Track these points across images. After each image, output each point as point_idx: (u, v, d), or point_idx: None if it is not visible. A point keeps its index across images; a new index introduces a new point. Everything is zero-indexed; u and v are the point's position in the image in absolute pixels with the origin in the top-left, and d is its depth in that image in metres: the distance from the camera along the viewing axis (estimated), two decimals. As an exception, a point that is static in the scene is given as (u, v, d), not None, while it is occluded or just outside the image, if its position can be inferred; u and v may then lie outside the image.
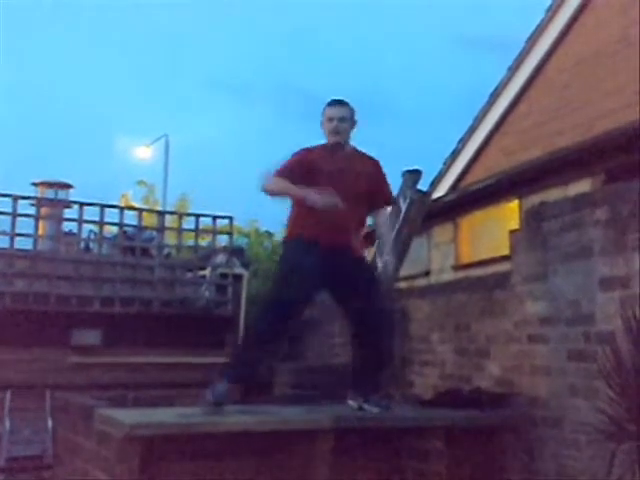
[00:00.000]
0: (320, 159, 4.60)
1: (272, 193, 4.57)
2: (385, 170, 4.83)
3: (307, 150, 4.68)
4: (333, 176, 4.52)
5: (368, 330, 4.58)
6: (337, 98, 4.74)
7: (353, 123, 4.73)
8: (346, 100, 4.73)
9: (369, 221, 4.91)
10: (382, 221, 4.89)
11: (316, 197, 4.33)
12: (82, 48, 53.60)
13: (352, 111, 4.72)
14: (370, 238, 8.11)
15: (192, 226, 10.42)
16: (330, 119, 4.63)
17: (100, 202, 9.66)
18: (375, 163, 4.80)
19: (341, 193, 4.39)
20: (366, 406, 4.51)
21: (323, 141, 4.70)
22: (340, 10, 56.98)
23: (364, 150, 4.79)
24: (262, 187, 4.52)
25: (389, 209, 4.99)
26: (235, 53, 56.76)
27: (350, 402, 4.61)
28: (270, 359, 4.69)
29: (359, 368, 4.65)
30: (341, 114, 4.65)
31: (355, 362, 4.68)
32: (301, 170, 4.53)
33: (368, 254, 4.91)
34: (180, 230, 10.48)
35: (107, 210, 9.67)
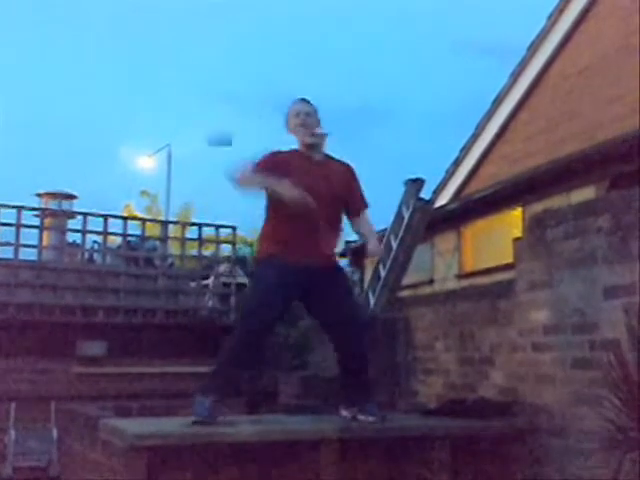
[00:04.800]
0: (293, 161, 4.48)
1: (244, 183, 4.41)
2: (359, 176, 4.68)
3: (279, 152, 4.57)
4: (305, 181, 4.35)
5: (347, 341, 4.51)
6: (302, 97, 4.64)
7: (319, 124, 4.59)
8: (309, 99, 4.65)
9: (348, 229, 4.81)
10: (362, 223, 4.66)
11: (289, 189, 4.18)
12: (84, 58, 53.78)
13: (317, 111, 4.60)
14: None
15: (195, 236, 10.44)
16: (297, 114, 4.52)
17: (103, 212, 9.70)
18: (348, 168, 4.66)
19: (314, 199, 4.29)
20: (361, 416, 4.45)
21: (294, 146, 4.59)
22: (338, 17, 57.08)
23: (337, 156, 4.66)
24: (235, 178, 4.35)
25: (367, 212, 4.69)
26: (236, 64, 56.87)
27: (343, 413, 4.54)
28: (247, 372, 4.58)
29: (347, 378, 4.59)
30: (307, 109, 4.55)
31: (342, 373, 4.62)
32: (276, 169, 4.39)
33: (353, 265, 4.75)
34: (183, 240, 10.50)
35: (110, 220, 9.71)
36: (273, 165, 4.41)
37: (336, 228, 4.64)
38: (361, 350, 4.56)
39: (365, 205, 4.71)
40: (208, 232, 10.66)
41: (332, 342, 4.65)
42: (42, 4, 49.28)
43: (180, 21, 57.92)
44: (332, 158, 4.65)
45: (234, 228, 10.60)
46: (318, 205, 4.30)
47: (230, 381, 4.43)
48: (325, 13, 55.70)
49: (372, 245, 4.55)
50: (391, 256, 7.48)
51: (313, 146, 4.55)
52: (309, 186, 4.32)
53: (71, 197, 11.71)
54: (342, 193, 4.52)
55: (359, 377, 4.57)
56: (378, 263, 7.66)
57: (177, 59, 57.36)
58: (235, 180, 4.37)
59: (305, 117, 4.53)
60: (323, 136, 4.58)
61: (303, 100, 4.63)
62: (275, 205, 4.41)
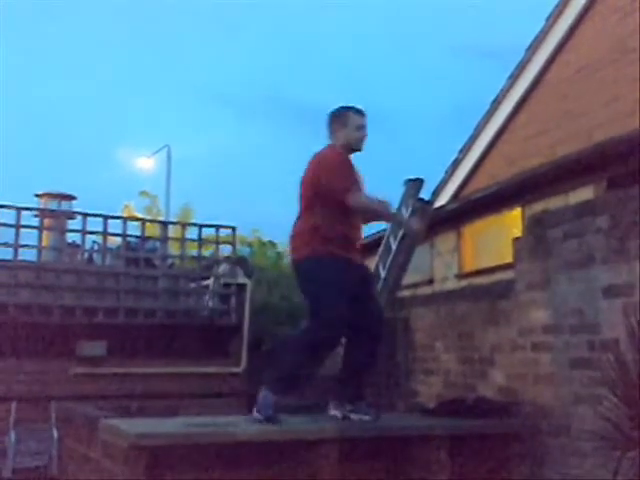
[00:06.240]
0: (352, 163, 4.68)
1: (363, 210, 4.58)
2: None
3: (342, 154, 4.64)
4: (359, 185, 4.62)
5: (369, 335, 4.59)
6: (360, 107, 4.72)
7: None
8: None
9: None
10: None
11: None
12: (84, 58, 53.80)
13: None
14: (373, 246, 8.13)
15: (195, 236, 10.44)
16: (361, 127, 4.64)
17: (103, 213, 9.69)
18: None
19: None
20: (355, 416, 4.49)
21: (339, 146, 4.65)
22: (336, 21, 57.12)
23: None
24: (354, 203, 4.44)
25: None
26: (234, 66, 56.79)
27: (332, 412, 4.59)
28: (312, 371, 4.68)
29: (347, 375, 4.63)
30: (366, 123, 4.68)
31: (345, 369, 4.64)
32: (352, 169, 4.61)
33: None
34: (183, 240, 10.50)
35: (110, 221, 9.69)
36: (350, 169, 4.59)
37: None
38: (376, 349, 4.65)
39: None
40: (208, 232, 10.67)
41: (353, 337, 4.62)
42: (41, 4, 49.33)
43: (178, 22, 57.92)
44: None
45: (234, 229, 10.58)
46: None
47: (296, 382, 4.48)
48: (324, 16, 55.73)
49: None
50: (391, 256, 7.50)
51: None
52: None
53: (70, 198, 11.71)
54: None
55: (361, 376, 4.62)
56: (378, 263, 7.67)
57: (176, 60, 57.38)
58: (355, 203, 4.45)
59: (365, 134, 4.66)
60: None
61: (364, 113, 4.68)
62: (326, 202, 4.46)
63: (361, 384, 4.65)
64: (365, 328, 4.57)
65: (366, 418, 4.46)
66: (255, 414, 4.30)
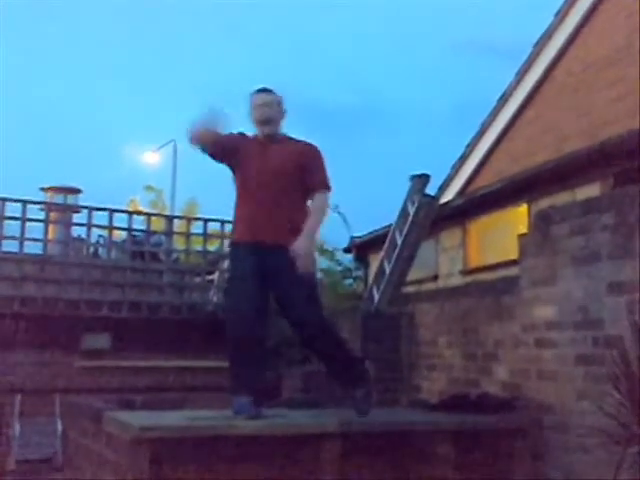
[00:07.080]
0: (249, 145, 4.52)
1: (194, 139, 4.39)
2: (321, 156, 4.56)
3: (242, 133, 4.61)
4: (255, 163, 4.43)
5: (307, 336, 4.53)
6: (261, 87, 4.57)
7: (282, 111, 4.58)
8: (270, 88, 4.59)
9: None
10: (312, 208, 4.48)
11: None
12: (90, 55, 53.81)
13: (279, 98, 4.57)
14: (378, 241, 8.12)
15: (200, 231, 10.46)
16: (255, 107, 4.50)
17: (109, 207, 9.71)
18: (307, 148, 4.56)
19: (268, 186, 4.36)
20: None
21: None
22: (336, 21, 57.02)
23: (299, 138, 4.62)
24: (188, 136, 4.39)
25: (322, 195, 4.50)
26: (234, 66, 56.70)
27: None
28: (264, 359, 4.59)
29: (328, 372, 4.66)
30: (265, 100, 4.50)
31: (321, 361, 4.68)
32: (230, 141, 4.47)
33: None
34: (188, 235, 10.52)
35: (116, 215, 9.72)
36: (231, 137, 4.51)
37: (294, 207, 4.47)
38: (332, 346, 4.53)
39: (320, 186, 4.50)
40: (213, 227, 10.68)
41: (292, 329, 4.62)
42: (41, 4, 49.37)
43: (178, 22, 57.91)
44: (292, 139, 4.60)
45: (239, 223, 10.59)
46: (270, 184, 4.36)
47: (248, 377, 4.37)
48: (324, 13, 55.65)
49: (297, 242, 4.25)
50: (396, 252, 7.48)
51: (270, 135, 4.54)
52: (259, 167, 4.40)
53: (76, 191, 11.73)
54: (296, 171, 4.44)
55: (331, 369, 4.61)
56: (383, 259, 7.66)
57: (176, 60, 57.30)
58: (189, 138, 4.39)
59: (262, 110, 4.49)
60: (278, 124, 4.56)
61: (261, 90, 4.56)
62: (236, 187, 4.50)
63: (337, 376, 4.62)
64: (297, 322, 4.52)
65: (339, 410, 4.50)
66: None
